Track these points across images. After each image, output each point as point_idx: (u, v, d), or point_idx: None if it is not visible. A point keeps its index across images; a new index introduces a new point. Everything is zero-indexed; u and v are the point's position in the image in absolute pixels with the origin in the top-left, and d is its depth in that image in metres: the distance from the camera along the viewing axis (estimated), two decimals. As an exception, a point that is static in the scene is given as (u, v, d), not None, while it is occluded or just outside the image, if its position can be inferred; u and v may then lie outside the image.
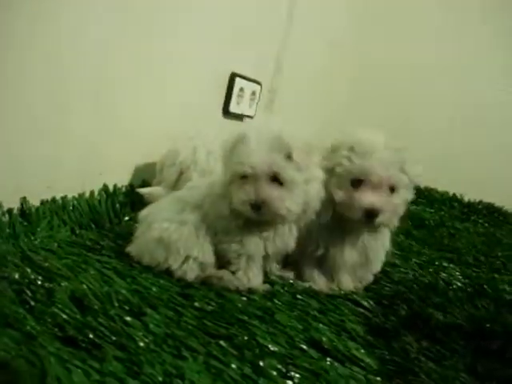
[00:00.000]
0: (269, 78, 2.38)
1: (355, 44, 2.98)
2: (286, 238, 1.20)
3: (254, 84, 2.20)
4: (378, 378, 0.92)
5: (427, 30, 2.95)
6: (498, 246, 2.12)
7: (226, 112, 2.06)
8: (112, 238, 1.34)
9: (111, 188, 1.56)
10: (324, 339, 0.99)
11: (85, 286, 0.98)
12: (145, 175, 1.69)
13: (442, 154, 2.84)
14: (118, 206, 1.53)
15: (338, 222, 1.25)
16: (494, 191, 2.76)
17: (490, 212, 2.76)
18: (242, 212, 1.13)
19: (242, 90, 2.09)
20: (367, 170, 1.18)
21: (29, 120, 1.24)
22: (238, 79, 2.04)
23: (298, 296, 1.19)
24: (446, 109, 2.93)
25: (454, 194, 2.84)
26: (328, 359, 0.93)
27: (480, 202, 2.80)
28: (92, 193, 1.49)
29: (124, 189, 1.61)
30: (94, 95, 1.41)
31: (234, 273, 1.19)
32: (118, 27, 1.41)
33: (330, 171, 1.22)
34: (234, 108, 2.08)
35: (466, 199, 2.85)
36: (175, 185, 1.56)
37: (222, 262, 1.20)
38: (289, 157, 1.11)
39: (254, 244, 1.17)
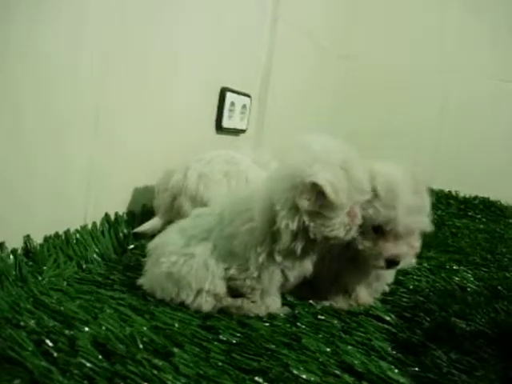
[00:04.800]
0: (257, 90, 2.35)
1: (341, 49, 2.97)
2: (306, 264, 1.17)
3: (244, 97, 2.17)
4: (417, 399, 0.89)
5: (414, 31, 2.95)
6: (500, 243, 2.11)
7: (219, 128, 2.03)
8: (121, 270, 1.31)
9: (113, 217, 1.52)
10: (356, 362, 0.96)
11: (105, 329, 0.94)
12: (144, 200, 1.65)
13: (433, 150, 2.84)
14: (121, 235, 1.49)
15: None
16: (488, 186, 2.76)
17: (486, 207, 2.76)
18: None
19: (232, 104, 2.06)
20: (393, 220, 1.12)
21: (24, 156, 1.20)
22: (228, 93, 2.02)
23: (320, 316, 1.17)
24: (435, 106, 2.92)
25: (450, 191, 2.83)
26: (364, 383, 0.91)
27: (476, 198, 2.80)
28: (94, 224, 1.45)
29: (125, 216, 1.57)
30: (91, 123, 1.38)
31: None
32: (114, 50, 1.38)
33: None
34: (226, 123, 2.05)
35: (461, 195, 2.84)
36: (170, 212, 1.53)
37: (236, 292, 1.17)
38: None
39: (272, 277, 1.14)
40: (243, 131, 2.20)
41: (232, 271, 1.14)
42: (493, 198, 2.79)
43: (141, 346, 0.90)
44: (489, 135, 2.83)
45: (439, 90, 2.92)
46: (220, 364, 0.89)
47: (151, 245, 1.21)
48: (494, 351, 1.09)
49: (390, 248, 1.14)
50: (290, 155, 1.10)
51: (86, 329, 0.93)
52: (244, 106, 2.17)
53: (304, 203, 1.03)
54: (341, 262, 1.23)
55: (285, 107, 2.56)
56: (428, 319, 1.21)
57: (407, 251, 1.16)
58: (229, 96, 2.02)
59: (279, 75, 2.44)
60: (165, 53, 1.63)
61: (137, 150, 1.57)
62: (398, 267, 1.20)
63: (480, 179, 2.78)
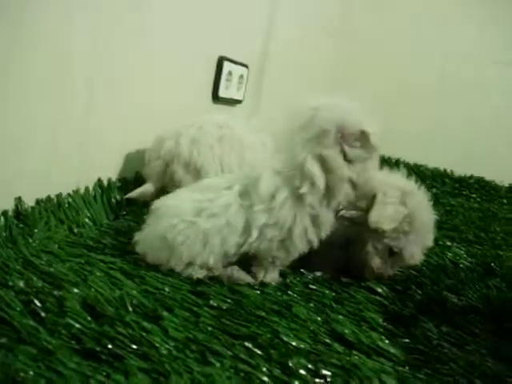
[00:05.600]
0: (256, 61, 2.32)
1: (341, 23, 2.95)
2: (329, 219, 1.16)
3: (242, 67, 2.14)
4: (407, 369, 0.88)
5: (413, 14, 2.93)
6: (494, 221, 2.11)
7: (216, 97, 2.01)
8: (112, 235, 1.29)
9: (105, 182, 1.50)
10: (346, 331, 0.96)
11: (95, 291, 0.93)
12: (137, 166, 1.62)
13: (429, 130, 2.83)
14: (113, 201, 1.48)
15: None
16: (483, 165, 2.75)
17: (481, 186, 2.75)
18: None
19: (230, 73, 2.04)
20: (410, 250, 1.20)
21: (16, 118, 1.18)
22: (226, 63, 1.99)
23: (311, 286, 1.16)
24: (431, 85, 2.91)
25: (445, 170, 2.82)
26: (354, 353, 0.90)
27: (471, 177, 2.79)
28: (87, 189, 1.43)
29: (118, 182, 1.56)
30: (85, 88, 1.36)
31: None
32: (108, 14, 1.36)
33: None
34: (223, 93, 2.03)
35: (456, 174, 2.83)
36: (162, 179, 1.51)
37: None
38: None
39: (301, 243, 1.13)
40: (240, 102, 2.17)
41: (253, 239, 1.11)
42: (488, 178, 2.78)
43: (130, 309, 0.89)
44: (484, 115, 2.81)
45: (436, 66, 2.90)
46: (210, 329, 0.89)
47: (158, 203, 1.18)
48: (486, 326, 1.09)
49: (388, 269, 1.22)
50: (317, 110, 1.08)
51: (76, 290, 0.92)
52: (241, 77, 2.15)
53: (354, 150, 1.07)
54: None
55: (282, 79, 2.54)
56: (420, 292, 1.21)
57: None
58: (226, 65, 1.99)
59: (278, 47, 2.41)
60: (162, 21, 1.61)
61: (130, 116, 1.55)
62: None
63: (475, 159, 2.76)
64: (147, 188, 1.51)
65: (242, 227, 1.10)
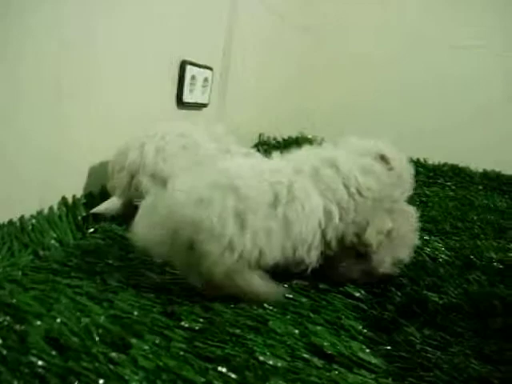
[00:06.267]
0: (219, 63, 2.28)
1: (302, 20, 2.92)
2: None
3: (206, 70, 2.11)
4: (390, 380, 0.85)
5: None
6: (471, 210, 2.10)
7: (180, 102, 1.97)
8: (79, 255, 1.24)
9: (70, 200, 1.45)
10: (325, 344, 0.92)
11: (59, 323, 0.88)
12: (103, 180, 1.56)
13: (400, 119, 2.81)
14: (79, 218, 1.43)
15: None
16: (456, 152, 2.74)
17: (455, 173, 2.73)
18: None
19: (193, 77, 2.00)
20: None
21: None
22: (188, 66, 1.95)
23: (287, 295, 1.12)
24: (400, 76, 2.89)
25: (418, 159, 2.80)
26: (335, 367, 0.87)
27: (445, 164, 2.77)
28: (51, 209, 1.38)
29: (84, 199, 1.51)
30: (48, 100, 1.32)
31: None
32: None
33: None
34: (187, 97, 1.99)
35: (429, 163, 2.81)
36: (128, 192, 1.46)
37: None
38: None
39: None
40: (205, 105, 2.13)
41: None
42: (462, 164, 2.77)
43: (97, 339, 0.85)
44: (455, 102, 2.80)
45: (403, 61, 2.88)
46: (181, 354, 0.84)
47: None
48: (468, 325, 1.07)
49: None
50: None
51: (39, 323, 0.87)
52: (206, 80, 2.11)
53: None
54: None
55: (248, 80, 2.50)
56: (399, 294, 1.18)
57: None
58: (189, 69, 1.95)
59: (241, 47, 2.38)
60: (123, 27, 1.56)
61: (93, 129, 1.50)
62: None
63: (447, 146, 2.75)
64: (113, 202, 1.47)
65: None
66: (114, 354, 0.81)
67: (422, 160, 2.81)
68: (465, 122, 2.77)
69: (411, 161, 2.68)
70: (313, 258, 1.11)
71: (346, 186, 1.10)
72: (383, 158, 1.12)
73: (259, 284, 1.03)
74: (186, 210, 0.97)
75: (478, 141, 2.71)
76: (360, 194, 1.10)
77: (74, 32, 1.35)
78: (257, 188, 1.00)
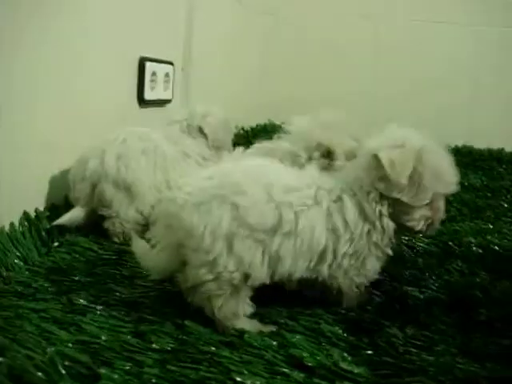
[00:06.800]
0: (180, 56, 2.22)
1: (265, 6, 2.86)
2: None
3: (166, 65, 2.05)
4: (375, 390, 0.82)
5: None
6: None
7: (142, 101, 1.91)
8: (44, 274, 1.19)
9: (33, 214, 1.39)
10: (305, 355, 0.88)
11: (23, 356, 0.82)
12: (66, 189, 1.50)
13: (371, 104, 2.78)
14: (43, 233, 1.37)
15: None
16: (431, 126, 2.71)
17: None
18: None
19: (154, 74, 1.94)
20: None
21: None
22: (148, 63, 1.89)
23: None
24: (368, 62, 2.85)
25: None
26: (316, 381, 0.83)
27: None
28: (12, 225, 1.32)
29: (47, 211, 1.45)
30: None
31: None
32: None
33: None
34: (149, 95, 1.93)
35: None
36: (91, 201, 1.42)
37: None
38: None
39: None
40: (169, 101, 2.08)
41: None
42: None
43: (63, 372, 0.79)
44: (421, 81, 2.77)
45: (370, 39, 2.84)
46: (154, 380, 0.80)
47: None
48: (451, 319, 1.04)
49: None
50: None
51: (1, 359, 0.81)
52: (167, 75, 2.06)
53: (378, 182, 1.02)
54: None
55: (211, 72, 2.44)
56: (378, 293, 1.14)
57: None
58: (149, 66, 1.90)
59: (202, 38, 2.32)
60: (75, 26, 1.50)
61: (51, 138, 1.44)
62: None
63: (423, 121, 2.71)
64: (76, 212, 1.42)
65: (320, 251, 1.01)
66: (81, 389, 0.76)
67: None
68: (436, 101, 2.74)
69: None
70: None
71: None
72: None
73: (226, 312, 0.98)
74: (183, 210, 0.96)
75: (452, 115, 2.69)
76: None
77: (26, 32, 1.30)
78: (259, 211, 0.95)
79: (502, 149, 2.75)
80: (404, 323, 1.02)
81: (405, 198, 1.00)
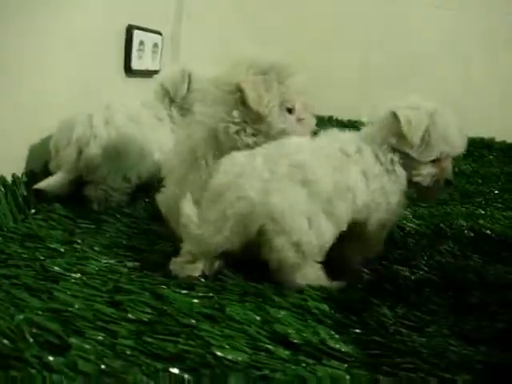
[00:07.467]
0: (170, 26, 2.15)
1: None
2: None
3: (155, 35, 2.00)
4: (363, 370, 0.76)
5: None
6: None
7: (129, 70, 1.86)
8: (19, 240, 1.13)
9: (9, 179, 1.33)
10: (290, 331, 0.83)
11: (-10, 321, 0.77)
12: (46, 156, 1.44)
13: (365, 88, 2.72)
14: (20, 199, 1.31)
15: None
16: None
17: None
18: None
19: (142, 43, 1.89)
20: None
21: None
22: (136, 31, 1.84)
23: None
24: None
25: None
26: (302, 358, 0.78)
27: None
28: (-13, 189, 1.26)
29: (25, 177, 1.39)
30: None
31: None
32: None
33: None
34: (136, 65, 1.88)
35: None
36: (76, 167, 1.37)
37: None
38: None
39: None
40: (156, 72, 2.01)
41: None
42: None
43: (31, 340, 0.73)
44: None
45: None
46: (128, 352, 0.74)
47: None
48: (443, 301, 1.00)
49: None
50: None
51: (-34, 324, 0.75)
52: (155, 45, 2.00)
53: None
54: None
55: (202, 43, 2.36)
56: (367, 271, 1.10)
57: None
58: (136, 34, 1.84)
59: (192, 7, 2.25)
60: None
61: (31, 103, 1.38)
62: None
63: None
64: (60, 177, 1.37)
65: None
66: (50, 358, 0.70)
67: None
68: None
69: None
70: None
71: None
72: None
73: (316, 278, 1.04)
74: (257, 196, 0.98)
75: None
76: None
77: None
78: (325, 182, 1.02)
79: (493, 138, 2.72)
80: (394, 303, 0.98)
81: (413, 153, 1.09)
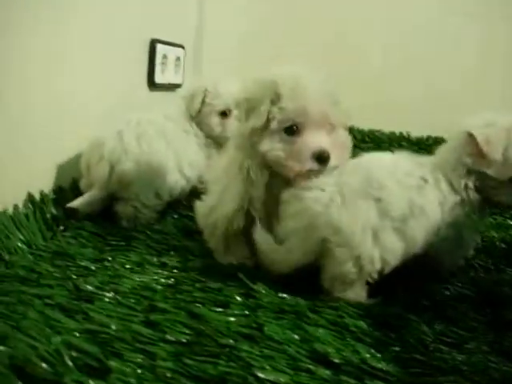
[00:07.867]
0: (192, 40, 2.16)
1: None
2: None
3: (178, 48, 2.00)
4: (407, 390, 0.75)
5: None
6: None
7: (152, 84, 1.86)
8: (49, 258, 1.13)
9: (37, 196, 1.33)
10: (330, 350, 0.82)
11: (26, 345, 0.75)
12: (74, 172, 1.45)
13: (379, 94, 2.69)
14: (48, 216, 1.31)
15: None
16: (440, 124, 2.63)
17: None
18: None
19: (165, 57, 1.89)
20: (302, 111, 1.06)
21: None
22: (159, 45, 1.84)
23: (281, 294, 1.02)
24: (379, 49, 2.76)
25: (401, 133, 2.69)
26: (343, 378, 0.76)
27: (428, 138, 2.67)
28: (16, 207, 1.26)
29: (53, 194, 1.39)
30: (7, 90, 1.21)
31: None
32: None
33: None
34: (159, 78, 1.88)
35: (413, 136, 2.70)
36: (108, 184, 1.36)
37: None
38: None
39: None
40: (179, 86, 2.02)
41: None
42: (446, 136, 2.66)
43: (70, 364, 0.72)
44: (431, 73, 2.68)
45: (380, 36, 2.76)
46: (169, 375, 0.73)
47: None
48: (481, 317, 0.99)
49: (311, 141, 1.06)
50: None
51: (1, 348, 0.74)
52: (178, 59, 2.00)
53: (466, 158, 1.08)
54: None
55: (224, 56, 2.36)
56: (400, 286, 1.09)
57: (334, 145, 1.08)
58: (160, 48, 1.84)
59: (214, 21, 2.25)
60: (86, 7, 1.45)
61: (58, 119, 1.39)
62: (330, 164, 1.06)
63: (430, 119, 2.63)
64: (92, 196, 1.37)
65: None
66: (90, 383, 0.69)
67: (405, 134, 2.70)
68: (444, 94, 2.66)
69: (395, 136, 2.62)
70: None
71: None
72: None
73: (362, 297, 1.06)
74: (330, 208, 1.00)
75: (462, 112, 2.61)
76: None
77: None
78: (397, 201, 1.03)
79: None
80: (431, 319, 0.97)
81: (492, 172, 1.06)
